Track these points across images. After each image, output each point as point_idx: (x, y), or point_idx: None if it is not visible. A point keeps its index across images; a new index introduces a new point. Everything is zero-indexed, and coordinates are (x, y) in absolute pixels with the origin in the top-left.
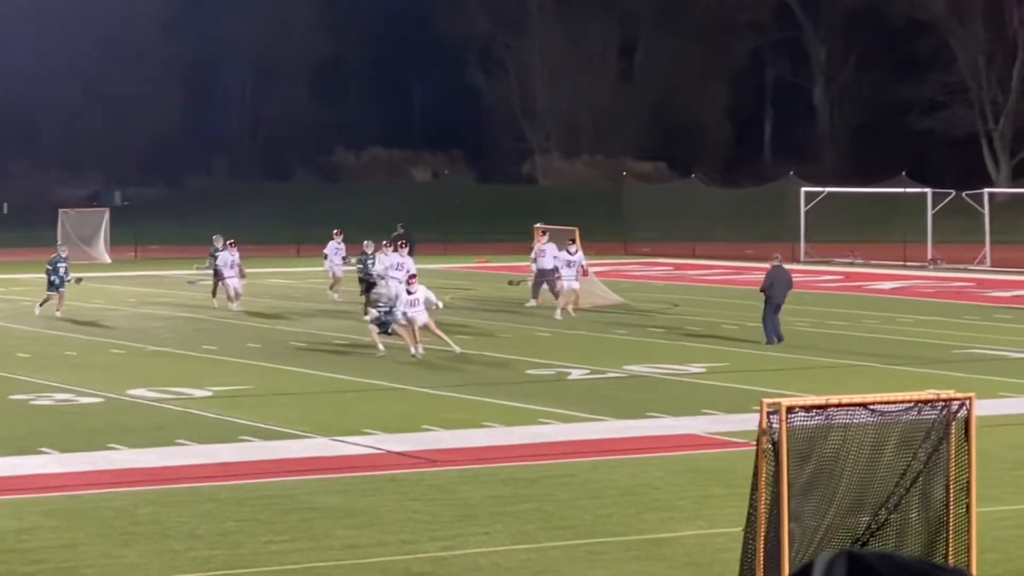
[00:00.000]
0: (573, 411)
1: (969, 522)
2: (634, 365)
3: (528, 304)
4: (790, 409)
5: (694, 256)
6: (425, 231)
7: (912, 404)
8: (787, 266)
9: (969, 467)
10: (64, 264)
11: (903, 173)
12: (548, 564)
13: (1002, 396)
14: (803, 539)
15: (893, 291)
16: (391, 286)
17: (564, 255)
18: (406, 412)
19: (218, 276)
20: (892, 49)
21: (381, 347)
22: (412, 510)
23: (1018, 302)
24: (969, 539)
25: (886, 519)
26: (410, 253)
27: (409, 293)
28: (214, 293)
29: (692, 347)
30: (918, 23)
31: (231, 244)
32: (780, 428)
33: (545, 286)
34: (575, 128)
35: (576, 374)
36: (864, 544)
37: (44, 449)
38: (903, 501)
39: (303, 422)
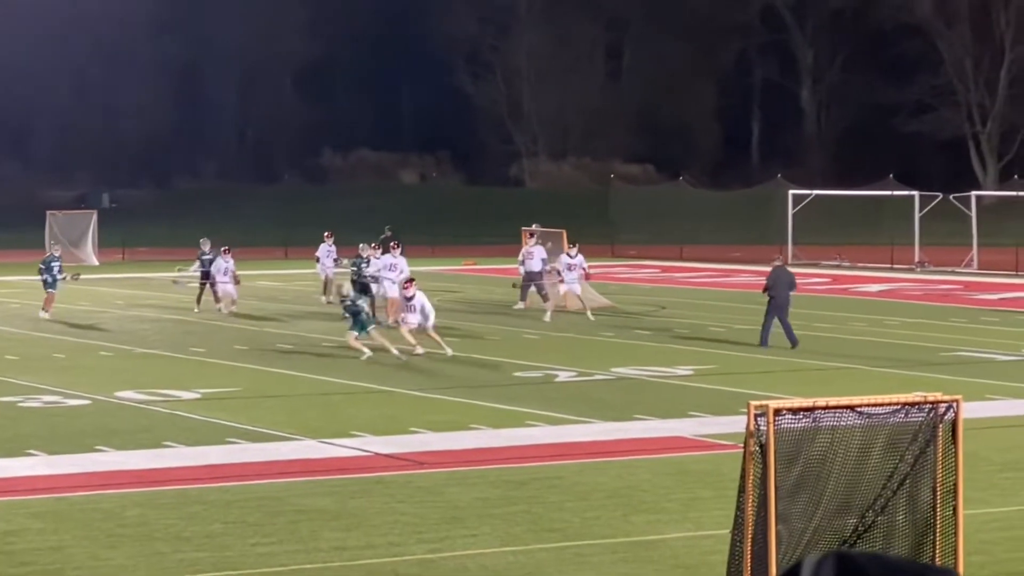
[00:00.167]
0: (561, 413)
1: (956, 524)
2: (622, 367)
3: (516, 306)
4: (777, 411)
5: (681, 258)
6: (413, 233)
7: (899, 406)
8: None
9: (956, 469)
10: (58, 264)
11: (890, 176)
12: (536, 566)
13: (989, 398)
14: (790, 541)
15: (880, 294)
16: (386, 287)
17: (564, 258)
18: (394, 414)
19: (206, 281)
20: (879, 51)
21: (366, 351)
22: (400, 512)
23: (1005, 305)
24: (956, 541)
25: (873, 521)
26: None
27: (407, 299)
28: (199, 300)
29: (679, 349)
30: (905, 25)
31: (225, 251)
32: (767, 430)
33: (533, 288)
34: (563, 130)
35: (564, 376)
36: (851, 546)
37: (32, 451)
38: (890, 503)
39: (291, 424)
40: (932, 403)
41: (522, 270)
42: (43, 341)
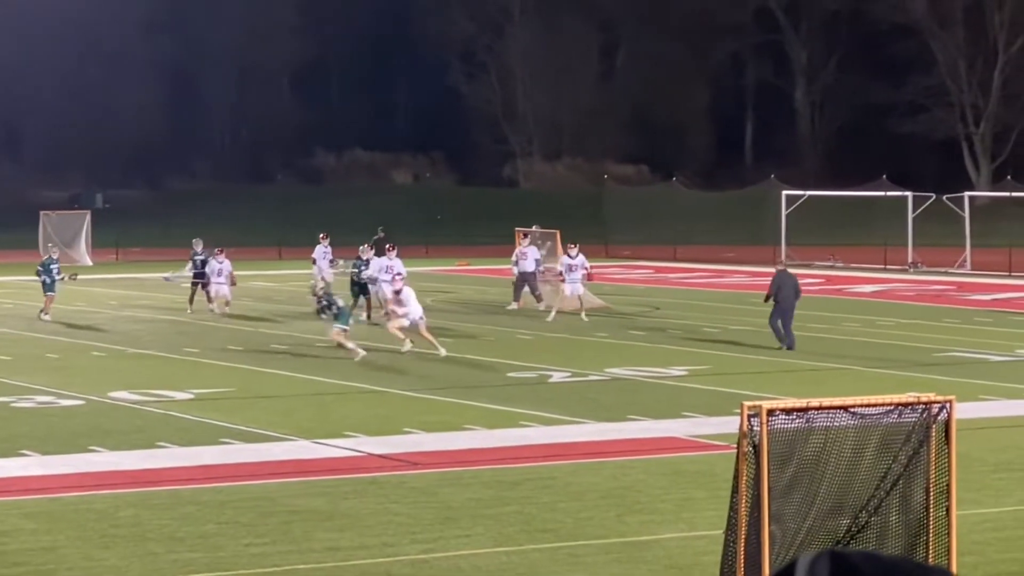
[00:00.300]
0: (554, 414)
1: (949, 525)
2: (616, 368)
3: (510, 307)
4: (771, 412)
5: (675, 259)
6: (407, 234)
7: (893, 407)
8: (768, 269)
9: (949, 470)
10: (56, 265)
11: (884, 176)
12: (529, 567)
13: (982, 399)
14: (783, 541)
15: (874, 294)
16: (382, 288)
17: (565, 259)
18: (387, 415)
19: (199, 281)
20: (873, 52)
21: (358, 351)
22: (393, 513)
23: (998, 305)
24: (949, 542)
25: (866, 522)
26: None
27: (395, 292)
28: (191, 300)
29: (673, 350)
30: (899, 26)
31: (219, 251)
32: (761, 431)
33: (527, 288)
34: (556, 131)
35: (558, 377)
36: (845, 547)
37: (25, 451)
38: (883, 504)
39: (284, 425)
40: (925, 404)
41: (515, 270)
42: (36, 341)
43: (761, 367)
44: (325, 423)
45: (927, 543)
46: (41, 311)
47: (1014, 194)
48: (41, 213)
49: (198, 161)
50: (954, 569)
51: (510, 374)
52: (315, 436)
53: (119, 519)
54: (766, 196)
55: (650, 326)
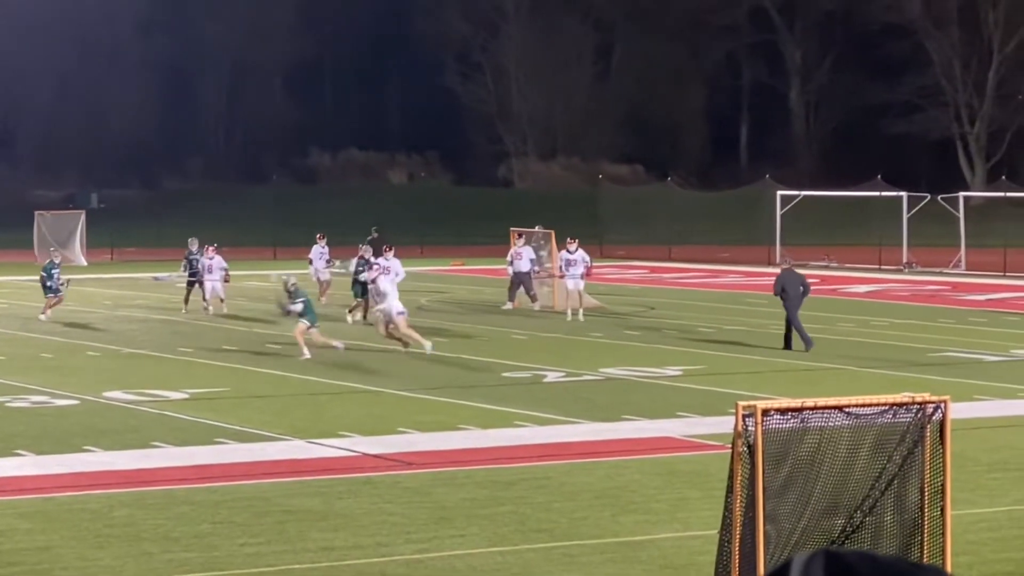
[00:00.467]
0: (549, 414)
1: (944, 525)
2: (610, 368)
3: (504, 307)
4: (765, 412)
5: (670, 259)
6: (401, 234)
7: (887, 407)
8: (764, 269)
9: (944, 470)
10: (57, 270)
11: (878, 176)
12: (524, 567)
13: (977, 399)
14: (778, 541)
15: (868, 294)
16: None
17: (564, 254)
18: (382, 414)
19: (194, 280)
20: (868, 52)
21: (337, 344)
22: (388, 512)
23: (993, 305)
24: (943, 542)
25: (861, 522)
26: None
27: (372, 282)
28: (186, 300)
29: (668, 350)
30: (894, 26)
31: (210, 248)
32: (755, 431)
33: (521, 289)
34: (551, 131)
35: (552, 377)
36: (840, 547)
37: (19, 451)
38: (878, 504)
39: (279, 424)
40: (920, 403)
41: (510, 270)
42: (31, 341)
43: (756, 367)
44: (319, 423)
45: (922, 543)
46: (43, 311)
47: (1009, 194)
48: (36, 213)
49: (193, 161)
50: (949, 569)
51: (505, 374)
52: (309, 436)
53: (114, 519)
54: (761, 196)
55: (645, 326)
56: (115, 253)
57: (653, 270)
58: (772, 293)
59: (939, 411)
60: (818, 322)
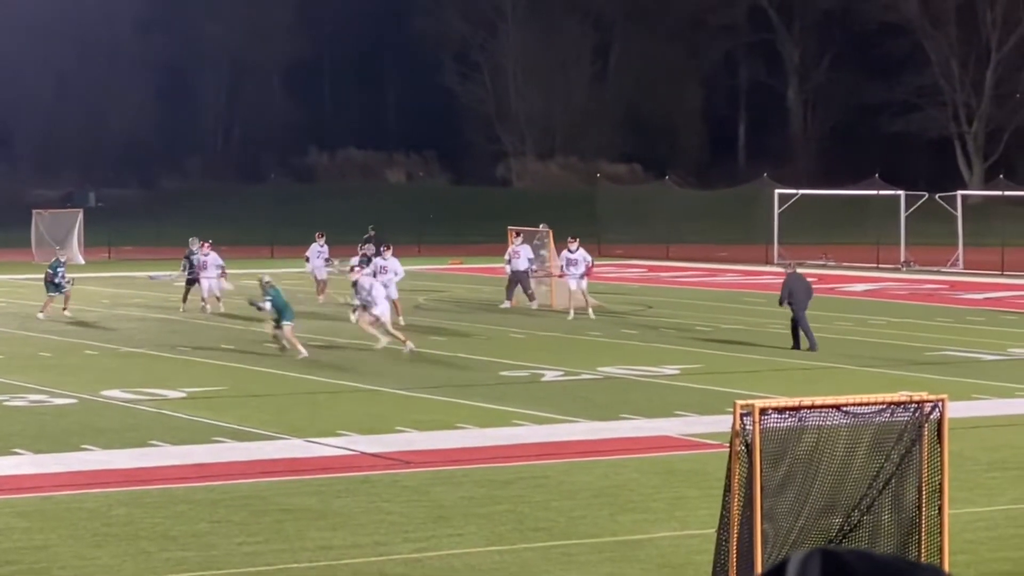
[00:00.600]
0: (547, 413)
1: (941, 524)
2: (608, 367)
3: (502, 306)
4: (763, 411)
5: (668, 258)
6: (399, 233)
7: (885, 406)
8: (762, 268)
9: (941, 469)
10: (63, 268)
11: (876, 175)
12: (522, 566)
13: (975, 398)
14: (776, 540)
15: (866, 293)
16: (390, 289)
17: (565, 254)
18: (379, 413)
19: (193, 278)
20: (866, 51)
21: (303, 351)
22: (386, 511)
23: (990, 304)
24: (941, 541)
25: (859, 520)
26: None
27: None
28: (185, 298)
29: (666, 349)
30: (892, 25)
31: (204, 245)
32: (753, 430)
33: (519, 287)
34: (549, 130)
35: (550, 376)
36: (837, 545)
37: (17, 450)
38: (876, 503)
39: (277, 423)
40: (918, 402)
41: (508, 269)
42: (29, 340)
43: (754, 366)
44: (317, 422)
45: (919, 542)
46: (41, 310)
47: (1007, 193)
48: (34, 212)
49: (191, 160)
50: (946, 568)
51: (503, 373)
52: (307, 435)
53: (112, 518)
54: (759, 195)
55: (643, 325)
56: (113, 252)
57: (651, 269)
58: (779, 301)
59: (937, 410)
60: (816, 321)
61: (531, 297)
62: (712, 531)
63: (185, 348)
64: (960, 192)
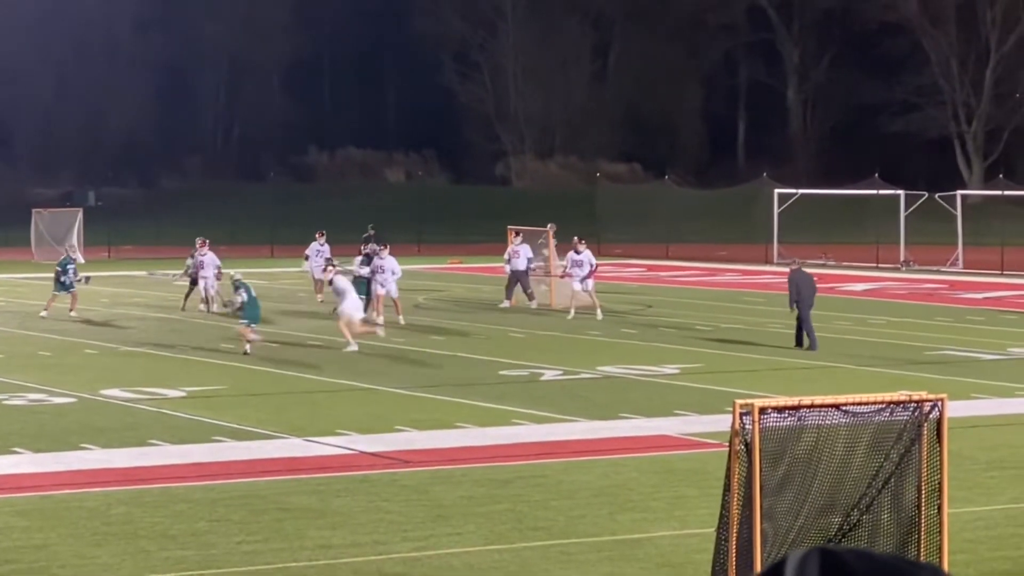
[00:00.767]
0: (546, 412)
1: (940, 523)
2: (607, 366)
3: (502, 305)
4: (762, 410)
5: (667, 257)
6: (399, 232)
7: (884, 405)
8: (761, 267)
9: (941, 468)
10: (73, 265)
11: (876, 175)
12: (521, 565)
13: (974, 398)
14: (775, 539)
15: (865, 292)
16: (390, 288)
17: (571, 255)
18: (379, 413)
19: (194, 280)
20: (865, 51)
21: (247, 348)
22: (385, 511)
23: (990, 304)
24: (940, 540)
25: (858, 520)
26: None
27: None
28: (186, 297)
29: (665, 348)
30: (891, 25)
31: (201, 244)
32: (753, 429)
33: (519, 287)
34: (549, 129)
35: (549, 375)
36: (836, 544)
37: (17, 449)
38: (875, 502)
39: (276, 423)
40: (917, 402)
41: (508, 269)
42: (29, 339)
43: (753, 365)
44: (317, 421)
45: (918, 541)
46: (45, 308)
47: (1006, 192)
48: (33, 211)
49: (190, 159)
50: (945, 567)
51: (502, 372)
52: (307, 434)
53: (111, 517)
54: (758, 194)
55: (642, 324)
56: (112, 251)
57: (651, 268)
58: (790, 303)
59: (936, 409)
60: (815, 320)
61: (530, 297)
62: (711, 530)
63: (185, 347)
64: (960, 192)
